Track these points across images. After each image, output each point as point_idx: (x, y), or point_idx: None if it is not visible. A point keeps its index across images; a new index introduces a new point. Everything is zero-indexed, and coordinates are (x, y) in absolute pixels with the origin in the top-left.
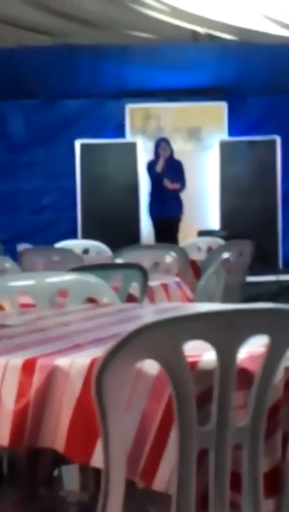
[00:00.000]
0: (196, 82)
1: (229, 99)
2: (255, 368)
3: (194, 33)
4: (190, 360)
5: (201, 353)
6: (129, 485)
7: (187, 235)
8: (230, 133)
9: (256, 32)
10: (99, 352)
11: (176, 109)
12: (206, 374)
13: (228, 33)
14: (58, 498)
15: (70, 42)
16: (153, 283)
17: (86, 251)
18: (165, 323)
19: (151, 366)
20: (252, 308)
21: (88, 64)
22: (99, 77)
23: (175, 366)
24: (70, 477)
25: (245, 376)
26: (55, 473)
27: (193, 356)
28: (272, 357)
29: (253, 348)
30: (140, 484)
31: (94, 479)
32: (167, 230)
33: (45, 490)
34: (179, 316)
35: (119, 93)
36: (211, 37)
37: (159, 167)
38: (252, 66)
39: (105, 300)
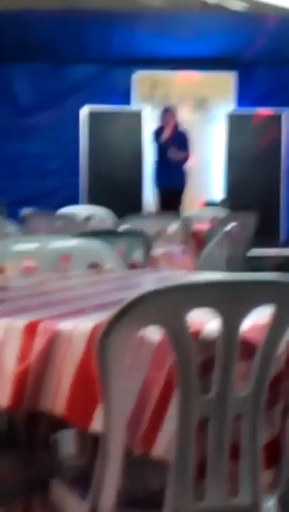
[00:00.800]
0: (204, 52)
1: (238, 69)
2: (258, 338)
3: (204, 1)
4: (193, 328)
5: (205, 321)
6: (127, 452)
7: (191, 206)
8: (238, 104)
9: (266, 2)
10: (102, 317)
11: (183, 78)
12: (209, 343)
13: (238, 3)
14: (55, 462)
15: (79, 6)
16: (156, 251)
17: (89, 217)
18: (170, 290)
19: (154, 333)
20: (258, 278)
21: (97, 29)
22: (107, 43)
23: (178, 334)
24: (68, 442)
25: (248, 346)
26: (53, 437)
27: (197, 325)
28: (276, 328)
29: (257, 319)
30: (139, 451)
31: (91, 444)
32: (171, 199)
33: (43, 454)
34: (184, 283)
35: (127, 60)
36: (220, 6)
37: (165, 136)
38: (261, 36)
39: (109, 266)
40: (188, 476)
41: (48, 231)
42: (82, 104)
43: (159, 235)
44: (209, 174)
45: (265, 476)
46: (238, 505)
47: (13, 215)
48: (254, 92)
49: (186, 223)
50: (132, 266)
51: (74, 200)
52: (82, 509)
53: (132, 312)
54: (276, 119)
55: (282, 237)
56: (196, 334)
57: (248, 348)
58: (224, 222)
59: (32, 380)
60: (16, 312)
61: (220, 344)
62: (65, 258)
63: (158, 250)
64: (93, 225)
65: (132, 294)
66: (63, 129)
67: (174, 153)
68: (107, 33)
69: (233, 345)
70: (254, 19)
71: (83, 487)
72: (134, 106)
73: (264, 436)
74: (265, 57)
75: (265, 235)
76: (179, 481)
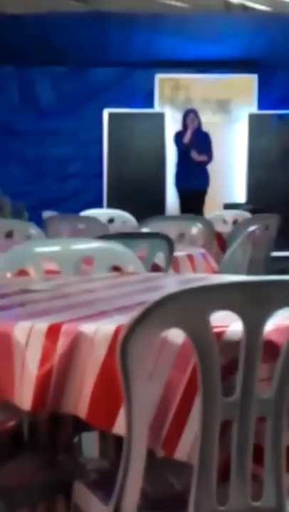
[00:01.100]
0: (227, 54)
1: (260, 71)
2: (281, 340)
3: (227, 3)
4: (216, 330)
5: (228, 323)
6: (150, 453)
7: (213, 208)
8: (260, 106)
9: None
10: (124, 319)
11: (205, 80)
12: (232, 345)
13: (262, 4)
14: (77, 464)
15: (101, 9)
16: (178, 253)
17: (111, 220)
18: (193, 292)
19: (176, 335)
20: (282, 279)
21: (119, 32)
22: (129, 45)
23: (201, 336)
24: (90, 444)
25: (271, 348)
26: (76, 439)
27: (220, 327)
28: None
29: (280, 321)
30: (161, 453)
31: (114, 447)
32: (193, 201)
33: (65, 456)
34: (207, 285)
35: (149, 62)
36: (244, 7)
37: (187, 138)
38: (284, 39)
39: (131, 269)
40: (211, 478)
41: (70, 234)
42: (104, 107)
43: (181, 237)
44: (232, 176)
45: None
46: (261, 509)
47: (35, 218)
48: (276, 94)
49: (208, 225)
50: (154, 268)
51: (96, 203)
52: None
53: (154, 314)
54: None
55: None
56: (219, 336)
57: (271, 350)
58: (247, 224)
59: (54, 382)
60: (39, 315)
61: (243, 346)
62: (87, 260)
63: (180, 253)
64: (115, 228)
65: (154, 297)
66: (85, 132)
67: (196, 156)
68: (129, 36)
69: (256, 347)
70: (277, 20)
71: (106, 489)
72: (156, 108)
73: (288, 439)
74: (287, 59)
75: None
76: (202, 484)
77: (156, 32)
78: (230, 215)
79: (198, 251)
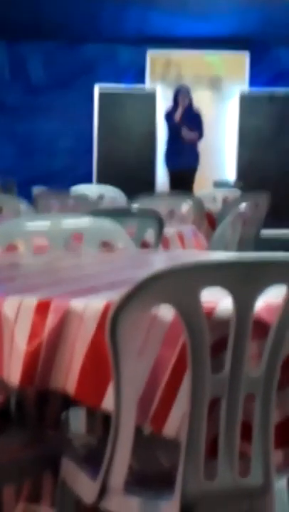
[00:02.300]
0: (219, 31)
1: (252, 49)
2: (271, 318)
3: None
4: (206, 307)
5: (218, 300)
6: (137, 430)
7: (202, 186)
8: (252, 84)
9: None
10: (114, 295)
11: (197, 57)
12: (222, 322)
13: None
14: (65, 440)
15: None
16: (168, 231)
17: (101, 196)
18: (183, 269)
19: (166, 312)
20: (272, 257)
21: (111, 8)
22: (121, 21)
23: (191, 313)
24: (78, 420)
25: (261, 326)
26: (63, 415)
27: (210, 304)
28: None
29: (270, 298)
30: (149, 430)
31: (101, 423)
32: (182, 179)
33: (53, 432)
34: (197, 262)
35: (141, 39)
36: None
37: (178, 116)
38: (277, 16)
39: (120, 245)
40: (199, 455)
41: (59, 210)
42: (94, 83)
43: (171, 215)
44: (222, 154)
45: (277, 456)
46: (249, 485)
47: (24, 194)
48: (268, 72)
49: (198, 203)
50: (144, 245)
51: (86, 179)
52: (92, 487)
53: (144, 291)
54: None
55: None
56: (210, 313)
57: (261, 328)
58: (237, 202)
59: (43, 358)
60: (28, 290)
61: (233, 323)
62: (76, 237)
63: (170, 230)
64: (105, 204)
65: (143, 273)
66: (76, 108)
67: (186, 133)
68: (120, 12)
69: (246, 324)
70: None
71: (93, 466)
72: (147, 85)
73: (276, 416)
74: (279, 37)
75: (278, 215)
76: (190, 461)
77: (148, 8)
78: (220, 193)
79: (188, 228)
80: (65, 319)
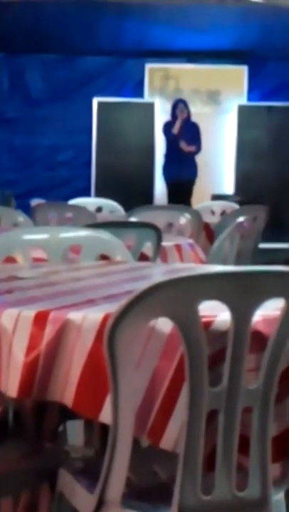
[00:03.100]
0: (217, 45)
1: (250, 63)
2: (269, 331)
3: None
4: (204, 320)
5: (216, 313)
6: (135, 443)
7: (201, 199)
8: (250, 98)
9: None
10: (112, 308)
11: (196, 71)
12: (220, 335)
13: None
14: (62, 452)
15: None
16: (166, 243)
17: (99, 209)
18: (181, 282)
19: (164, 324)
20: (269, 270)
21: (110, 21)
22: (120, 34)
23: (189, 325)
24: (76, 432)
25: (258, 339)
26: (61, 427)
27: (208, 316)
28: (287, 321)
29: (268, 311)
30: (147, 442)
31: (99, 435)
32: (181, 192)
33: (50, 444)
34: (195, 274)
35: (140, 52)
36: None
37: (176, 129)
38: (275, 30)
39: (118, 258)
40: (196, 468)
41: (57, 222)
42: (93, 96)
43: (169, 227)
44: (220, 167)
45: (274, 470)
46: (246, 499)
47: (23, 206)
48: (266, 86)
49: (197, 216)
50: (142, 258)
51: (84, 192)
52: (89, 500)
53: (142, 303)
54: (287, 113)
55: None
56: (208, 325)
57: (258, 341)
58: (235, 215)
59: (41, 369)
60: (26, 302)
61: (231, 336)
62: (74, 249)
63: (168, 243)
64: (103, 217)
65: (141, 286)
66: (74, 121)
67: (184, 146)
68: (119, 25)
69: (243, 337)
70: (268, 12)
71: (91, 478)
72: (145, 98)
73: (273, 430)
74: (277, 51)
75: (276, 228)
76: (188, 474)
77: (147, 21)
78: (218, 206)
79: (186, 241)
80: (63, 331)
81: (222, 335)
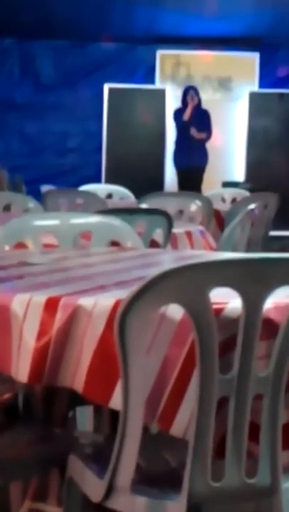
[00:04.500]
0: (229, 31)
1: (262, 50)
2: (280, 318)
3: None
4: (215, 307)
5: (227, 300)
6: (145, 429)
7: (211, 186)
8: (261, 85)
9: None
10: (123, 294)
11: (207, 57)
12: (231, 322)
13: None
14: (72, 438)
15: None
16: (177, 230)
17: (110, 195)
18: (192, 268)
19: (175, 311)
20: (282, 257)
21: (121, 7)
22: (131, 21)
23: (200, 312)
24: (85, 418)
25: (270, 326)
26: (70, 413)
27: (219, 303)
28: None
29: (279, 299)
30: (157, 429)
31: (108, 421)
32: (191, 179)
33: (60, 430)
34: (207, 261)
35: (151, 38)
36: None
37: (186, 115)
38: (287, 17)
39: (129, 244)
40: (206, 455)
41: (68, 208)
42: (104, 82)
43: (180, 214)
44: (231, 154)
45: (284, 457)
46: (256, 486)
47: (33, 192)
48: (277, 73)
49: (207, 203)
50: (153, 244)
51: (95, 179)
52: (99, 486)
53: (153, 290)
54: None
55: None
56: (219, 312)
57: (270, 328)
58: (246, 202)
59: (52, 355)
60: (37, 288)
61: (242, 323)
62: (85, 235)
63: (178, 229)
64: (114, 203)
65: (152, 272)
66: (85, 107)
67: (195, 133)
68: (130, 11)
69: (254, 324)
70: None
71: (100, 464)
72: (156, 85)
73: (284, 417)
74: None
75: (287, 216)
76: (197, 460)
77: (158, 7)
78: (229, 193)
79: (196, 228)
80: (74, 317)
81: (233, 322)
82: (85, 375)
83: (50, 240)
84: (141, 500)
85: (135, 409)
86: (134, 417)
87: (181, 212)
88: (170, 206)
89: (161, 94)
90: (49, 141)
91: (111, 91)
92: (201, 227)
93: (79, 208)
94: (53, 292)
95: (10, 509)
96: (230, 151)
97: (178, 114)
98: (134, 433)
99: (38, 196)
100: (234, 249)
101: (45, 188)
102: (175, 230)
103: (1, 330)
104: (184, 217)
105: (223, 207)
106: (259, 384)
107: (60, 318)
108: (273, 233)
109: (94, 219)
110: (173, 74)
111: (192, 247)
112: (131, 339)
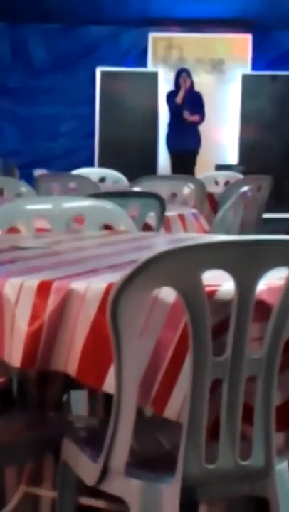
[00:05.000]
0: (221, 13)
1: (254, 31)
2: (273, 300)
3: None
4: (208, 289)
5: (220, 282)
6: (139, 412)
7: (204, 169)
8: (254, 67)
9: None
10: (115, 277)
11: (199, 39)
12: (224, 304)
13: None
14: (66, 422)
15: None
16: (170, 213)
17: (102, 179)
18: (185, 251)
19: (168, 294)
20: (275, 239)
21: None
22: (123, 3)
23: (192, 294)
24: (79, 402)
25: (262, 308)
26: (64, 397)
27: (212, 285)
28: None
29: (272, 281)
30: (150, 411)
31: (102, 405)
32: (184, 162)
33: (54, 414)
34: (199, 243)
35: (143, 21)
36: None
37: (179, 98)
38: None
39: (122, 227)
40: (200, 437)
41: (60, 192)
42: (96, 66)
43: (173, 197)
44: (223, 137)
45: (278, 439)
46: (250, 468)
47: (26, 176)
48: (270, 55)
49: (200, 186)
50: (146, 228)
51: (88, 163)
52: (93, 469)
53: (145, 272)
54: None
55: None
56: (211, 294)
57: (262, 310)
58: (239, 185)
59: (44, 339)
60: (29, 272)
61: (235, 305)
62: (78, 219)
63: (171, 212)
64: (107, 187)
65: (145, 255)
66: (77, 91)
67: (188, 116)
68: None
69: (247, 306)
70: None
71: (95, 447)
72: (149, 68)
73: (277, 399)
74: (282, 20)
75: (280, 198)
76: (191, 443)
77: None
78: (222, 176)
79: (189, 211)
80: (67, 300)
81: (226, 304)
82: (78, 358)
83: (42, 224)
84: (135, 483)
85: (129, 392)
86: (127, 401)
87: (174, 195)
88: (163, 189)
89: (153, 77)
90: (41, 125)
91: (103, 74)
92: (194, 210)
93: (72, 192)
94: (45, 276)
95: (5, 493)
96: (223, 134)
97: (171, 96)
98: (128, 416)
99: (31, 180)
100: (227, 232)
101: (37, 172)
102: (168, 213)
103: None
104: (177, 201)
105: (216, 190)
106: (252, 366)
107: (52, 302)
108: (266, 216)
109: (86, 203)
110: (165, 56)
111: (185, 230)
112: (124, 322)
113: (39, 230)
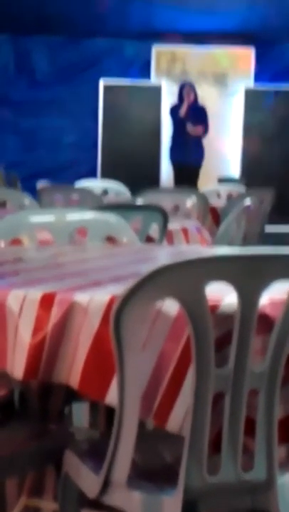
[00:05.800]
0: (224, 27)
1: (257, 45)
2: (276, 313)
3: None
4: (211, 302)
5: (223, 296)
6: (141, 425)
7: (207, 182)
8: (257, 80)
9: None
10: (118, 289)
11: (202, 53)
12: (227, 317)
13: None
14: (68, 434)
15: None
16: (173, 226)
17: (105, 192)
18: (188, 264)
19: (171, 306)
20: (277, 252)
21: (116, 2)
22: (126, 16)
23: (195, 307)
24: (81, 414)
25: (265, 321)
26: (66, 409)
27: (215, 299)
28: None
29: (275, 294)
30: (153, 424)
31: (104, 417)
32: (187, 175)
33: (56, 426)
34: (202, 257)
35: (146, 34)
36: None
37: (183, 111)
38: (283, 12)
39: (125, 240)
40: (202, 450)
41: (64, 204)
42: (99, 78)
43: (176, 209)
44: (226, 150)
45: (280, 452)
46: (252, 481)
47: (29, 189)
48: (273, 68)
49: (203, 199)
50: (148, 240)
51: (90, 174)
52: (95, 482)
53: (149, 285)
54: None
55: None
56: (214, 307)
57: (265, 323)
58: (241, 198)
59: (47, 351)
60: (32, 284)
61: (237, 318)
62: (81, 231)
63: (174, 225)
64: (109, 199)
65: (148, 268)
66: (80, 103)
67: (191, 129)
68: (126, 6)
69: (250, 319)
70: None
71: (96, 459)
72: (152, 80)
73: (280, 412)
74: (284, 33)
75: (283, 211)
76: (193, 455)
77: (154, 3)
78: (225, 189)
79: (192, 224)
80: (70, 313)
81: (229, 317)
82: (81, 371)
83: (45, 236)
84: (137, 496)
85: (131, 405)
86: (129, 413)
87: (176, 208)
88: (166, 202)
89: (156, 89)
90: (44, 137)
91: (106, 87)
92: (196, 223)
93: (74, 204)
94: (48, 288)
95: (6, 505)
96: (226, 147)
97: (174, 110)
98: (130, 429)
99: (33, 192)
100: (230, 245)
101: (40, 185)
102: (171, 226)
103: None
104: (180, 213)
105: (219, 203)
106: (255, 379)
107: (55, 314)
108: (269, 229)
109: (89, 215)
110: (168, 70)
111: (188, 242)
112: (126, 335)
113: (42, 242)
